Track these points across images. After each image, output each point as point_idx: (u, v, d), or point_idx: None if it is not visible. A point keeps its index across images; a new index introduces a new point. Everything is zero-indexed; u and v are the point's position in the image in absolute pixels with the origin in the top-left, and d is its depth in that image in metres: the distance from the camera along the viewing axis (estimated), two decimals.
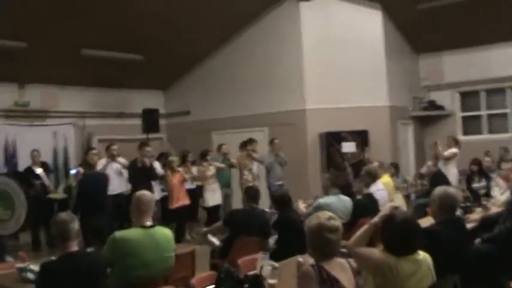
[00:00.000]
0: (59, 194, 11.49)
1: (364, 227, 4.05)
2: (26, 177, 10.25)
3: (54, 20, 11.26)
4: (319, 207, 7.41)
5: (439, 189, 4.95)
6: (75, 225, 4.49)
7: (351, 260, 3.94)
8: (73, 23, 11.55)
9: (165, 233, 5.18)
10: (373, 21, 13.90)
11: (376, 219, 4.03)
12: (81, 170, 9.79)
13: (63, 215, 4.56)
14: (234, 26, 14.62)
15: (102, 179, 9.21)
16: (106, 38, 12.49)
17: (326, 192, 8.18)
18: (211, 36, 14.53)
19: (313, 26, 13.73)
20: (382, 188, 8.94)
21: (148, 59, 14.03)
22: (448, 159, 11.24)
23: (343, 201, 7.95)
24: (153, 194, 5.30)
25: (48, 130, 13.85)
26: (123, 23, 12.09)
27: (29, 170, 11.17)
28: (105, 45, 12.84)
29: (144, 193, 5.25)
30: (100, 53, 13.01)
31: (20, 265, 5.44)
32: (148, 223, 5.05)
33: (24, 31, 11.38)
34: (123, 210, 10.14)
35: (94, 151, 11.08)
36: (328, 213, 3.77)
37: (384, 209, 4.08)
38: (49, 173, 11.71)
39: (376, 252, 3.91)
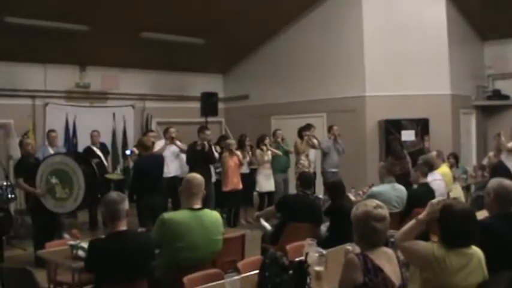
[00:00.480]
0: (117, 175, 11.66)
1: (412, 223, 3.92)
2: (86, 157, 10.41)
3: (115, 3, 11.40)
4: (372, 195, 7.35)
5: (494, 181, 4.76)
6: (125, 205, 4.54)
7: (398, 251, 3.85)
8: (133, 6, 11.66)
9: (213, 216, 5.18)
10: (436, 7, 13.52)
11: (422, 216, 3.89)
12: (136, 150, 9.88)
13: (113, 195, 4.62)
14: (295, 10, 14.53)
15: (158, 160, 9.27)
16: (166, 21, 12.56)
17: (381, 181, 8.08)
18: (272, 20, 14.47)
19: (375, 11, 13.51)
20: (439, 178, 8.79)
21: (208, 42, 14.06)
22: (511, 151, 10.89)
23: (397, 190, 7.86)
24: (202, 177, 5.26)
25: (108, 112, 14.12)
26: (183, 5, 12.12)
27: (89, 150, 11.35)
28: (165, 28, 12.92)
29: (195, 176, 5.26)
30: (160, 35, 13.12)
31: (72, 242, 5.55)
32: (197, 206, 5.04)
33: (85, 14, 11.56)
34: (177, 194, 10.25)
35: (152, 133, 11.23)
36: (375, 201, 3.69)
37: (431, 206, 3.90)
38: (107, 154, 11.89)
39: (424, 244, 3.80)
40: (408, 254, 3.84)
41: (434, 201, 3.90)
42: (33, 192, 8.54)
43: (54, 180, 8.42)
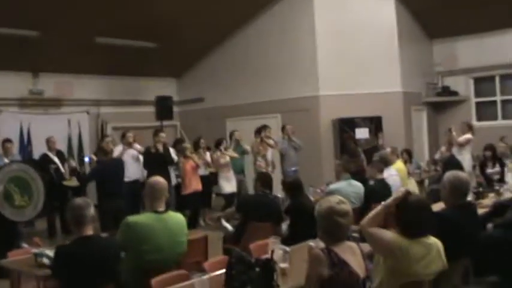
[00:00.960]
0: (74, 182, 11.59)
1: (377, 208, 4.06)
2: (42, 164, 10.32)
3: (67, 9, 11.32)
4: (330, 193, 7.47)
5: (449, 174, 4.93)
6: (90, 210, 4.54)
7: (362, 245, 3.97)
8: (86, 11, 11.60)
9: (177, 218, 5.23)
10: (386, 7, 13.84)
11: (389, 201, 4.04)
12: (94, 157, 9.86)
13: (79, 201, 4.60)
14: (248, 13, 14.62)
15: (119, 164, 9.30)
16: (119, 25, 12.51)
17: (338, 178, 8.23)
18: (225, 23, 14.55)
19: (327, 13, 13.68)
20: (394, 174, 8.98)
21: (162, 46, 14.08)
22: (462, 145, 11.17)
23: (353, 186, 8.03)
24: (165, 181, 5.31)
25: (63, 118, 14.01)
26: (137, 10, 12.11)
27: (45, 157, 11.21)
28: (118, 33, 12.89)
29: (158, 180, 5.28)
30: (113, 40, 13.10)
31: (35, 250, 5.52)
32: (161, 209, 5.09)
33: (37, 20, 11.45)
34: (140, 197, 10.26)
35: (108, 138, 11.18)
36: (338, 197, 3.79)
37: (397, 192, 4.08)
38: (64, 161, 11.78)
39: (389, 233, 3.93)
40: (374, 240, 3.96)
41: (401, 188, 4.04)
42: None
43: (14, 188, 8.33)
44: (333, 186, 8.06)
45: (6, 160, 10.02)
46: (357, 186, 8.10)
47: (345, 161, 8.92)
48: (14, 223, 8.73)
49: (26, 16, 11.17)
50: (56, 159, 11.29)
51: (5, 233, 8.36)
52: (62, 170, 11.33)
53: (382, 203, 4.07)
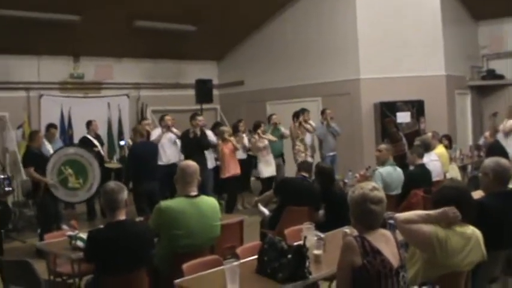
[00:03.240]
0: (115, 164, 11.66)
1: (420, 214, 3.91)
2: (91, 149, 10.45)
3: None
4: (378, 177, 7.35)
5: (490, 160, 4.76)
6: (124, 195, 4.52)
7: (396, 232, 3.87)
8: None
9: (210, 202, 5.17)
10: None
11: (435, 214, 3.87)
12: (130, 141, 9.95)
13: (112, 185, 4.59)
14: None
15: (152, 147, 9.38)
16: (158, 9, 12.53)
17: (381, 164, 8.01)
18: (265, 6, 14.45)
19: None
20: (435, 159, 8.81)
21: (202, 29, 14.04)
22: (507, 131, 10.89)
23: (398, 172, 7.86)
24: (197, 164, 5.25)
25: (103, 102, 14.14)
26: None
27: (86, 140, 11.31)
28: (157, 16, 12.89)
29: (189, 164, 5.25)
30: (153, 24, 13.10)
31: (70, 233, 5.55)
32: (193, 193, 5.04)
33: (77, 4, 11.57)
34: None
35: (147, 121, 11.30)
36: (372, 184, 3.68)
37: (448, 212, 3.87)
38: (102, 144, 11.86)
39: (426, 226, 3.82)
40: (410, 235, 3.87)
41: (450, 209, 3.85)
42: (45, 181, 8.60)
43: (69, 170, 8.72)
44: (382, 170, 7.81)
45: (47, 144, 10.14)
46: (400, 172, 7.93)
47: (390, 146, 8.69)
48: (56, 205, 8.93)
49: (68, 1, 11.27)
50: (96, 142, 11.38)
51: (47, 215, 8.50)
52: (102, 152, 11.44)
53: (427, 212, 3.91)
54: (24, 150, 8.92)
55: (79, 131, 12.31)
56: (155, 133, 10.71)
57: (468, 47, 15.11)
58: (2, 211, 9.58)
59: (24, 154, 8.90)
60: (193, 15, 13.33)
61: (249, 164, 12.32)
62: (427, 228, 3.79)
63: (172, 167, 10.44)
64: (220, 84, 16.74)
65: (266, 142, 11.75)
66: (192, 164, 5.23)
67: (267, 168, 11.79)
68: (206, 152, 10.92)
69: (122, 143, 12.01)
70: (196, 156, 9.40)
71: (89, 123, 11.61)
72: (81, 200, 9.44)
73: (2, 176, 10.19)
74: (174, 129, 11.00)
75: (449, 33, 13.71)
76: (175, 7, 12.64)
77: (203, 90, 13.76)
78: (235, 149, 11.17)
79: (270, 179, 11.80)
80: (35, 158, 8.57)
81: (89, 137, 11.40)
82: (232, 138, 11.18)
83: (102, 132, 12.98)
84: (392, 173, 7.78)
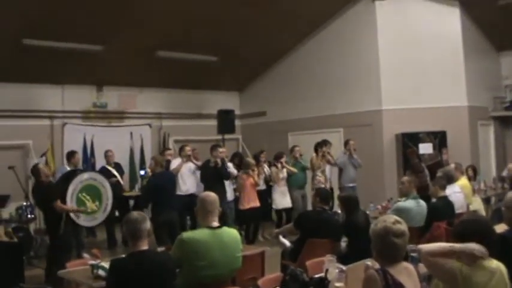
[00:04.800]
0: (134, 192, 11.71)
1: (444, 246, 3.86)
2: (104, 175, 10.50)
3: (130, 23, 11.54)
4: (399, 211, 7.27)
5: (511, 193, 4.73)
6: (147, 224, 4.51)
7: (419, 265, 3.83)
8: (148, 25, 11.80)
9: (232, 233, 5.17)
10: (451, 18, 13.52)
11: (462, 248, 3.81)
12: (149, 171, 10.02)
13: (135, 214, 4.58)
14: (309, 26, 14.59)
15: (170, 177, 9.42)
16: (180, 39, 12.66)
17: (404, 195, 7.96)
18: (287, 37, 14.54)
19: (389, 25, 13.50)
20: (458, 191, 8.71)
21: (224, 60, 14.14)
22: None
23: (421, 206, 7.79)
24: (216, 195, 5.27)
25: (125, 131, 14.28)
26: (198, 24, 12.22)
27: (105, 170, 11.39)
28: (179, 47, 13.02)
29: (209, 194, 5.27)
30: (175, 54, 13.22)
31: (92, 262, 5.56)
32: (215, 223, 5.04)
33: (101, 34, 11.71)
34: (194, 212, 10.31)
35: (169, 151, 11.37)
36: (394, 217, 3.66)
37: (475, 249, 3.80)
38: (122, 174, 11.93)
39: (451, 261, 3.77)
40: (434, 267, 3.80)
41: (482, 249, 3.78)
42: (78, 210, 8.76)
43: (87, 197, 8.94)
44: (401, 204, 7.78)
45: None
46: (423, 206, 7.85)
47: (413, 178, 8.63)
48: (78, 234, 8.96)
49: (91, 31, 11.45)
50: (115, 172, 11.45)
51: (67, 243, 8.53)
52: (121, 182, 11.50)
53: (451, 244, 3.85)
54: (38, 187, 8.84)
55: (101, 160, 12.40)
56: (175, 163, 10.75)
57: (490, 78, 15.05)
58: (24, 238, 9.66)
59: (47, 189, 8.66)
60: (215, 45, 13.45)
61: (269, 194, 12.29)
62: (451, 261, 3.75)
63: (191, 197, 10.55)
64: (242, 114, 16.80)
65: (285, 174, 11.75)
66: (211, 194, 5.25)
67: (282, 200, 11.80)
68: (226, 184, 10.94)
69: (142, 172, 12.09)
70: (216, 186, 9.46)
71: (105, 153, 11.74)
72: (100, 221, 9.56)
73: (25, 204, 10.32)
74: (194, 160, 11.04)
75: (472, 63, 13.69)
76: (197, 38, 12.76)
77: (225, 121, 13.81)
78: (256, 183, 11.18)
79: (286, 211, 11.78)
80: (55, 190, 8.61)
81: (109, 167, 11.49)
82: (255, 173, 11.19)
83: (124, 161, 13.09)
84: (415, 207, 7.72)
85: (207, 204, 5.08)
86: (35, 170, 8.71)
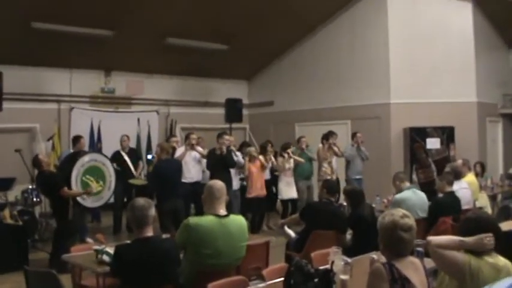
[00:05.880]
0: (140, 180, 11.73)
1: (453, 239, 3.83)
2: (113, 161, 10.48)
3: (140, 9, 11.53)
4: (396, 203, 7.30)
5: None
6: (152, 211, 4.54)
7: (426, 260, 3.80)
8: (158, 11, 11.78)
9: (238, 221, 5.13)
10: (463, 14, 13.45)
11: (470, 242, 3.77)
12: (156, 156, 10.02)
13: (141, 201, 4.59)
14: (320, 18, 14.53)
15: (176, 165, 9.38)
16: (190, 27, 12.64)
17: (400, 191, 7.96)
18: (297, 27, 14.50)
19: (400, 19, 13.43)
20: (465, 187, 8.68)
21: (233, 48, 14.10)
22: None
23: (418, 195, 7.82)
24: (224, 184, 5.24)
25: (133, 117, 14.27)
26: (208, 12, 12.20)
27: (117, 154, 11.36)
28: (189, 34, 12.99)
29: (216, 181, 5.24)
30: (185, 41, 13.19)
31: (96, 247, 5.56)
32: (222, 212, 5.02)
33: (110, 20, 11.69)
34: (200, 198, 10.29)
35: (175, 138, 11.34)
36: (402, 211, 3.63)
37: (484, 240, 3.77)
38: (136, 159, 11.88)
39: (460, 254, 3.74)
40: (443, 260, 3.78)
41: (490, 238, 3.75)
42: (85, 193, 8.73)
43: (90, 178, 8.93)
44: (398, 196, 7.82)
45: None
46: (421, 196, 7.88)
47: (398, 173, 8.58)
48: (83, 218, 9.02)
49: (100, 16, 11.42)
50: (127, 158, 11.40)
51: (74, 228, 8.52)
52: (132, 168, 11.44)
53: (462, 238, 3.82)
54: (41, 178, 8.81)
55: (108, 145, 12.42)
56: (179, 150, 10.72)
57: (501, 74, 14.99)
58: (29, 221, 9.67)
59: (51, 177, 8.63)
60: (225, 34, 13.42)
61: (275, 184, 12.28)
62: (460, 255, 3.72)
63: (195, 186, 10.54)
64: (249, 103, 16.78)
65: (292, 164, 11.71)
66: (219, 181, 5.23)
67: (287, 190, 11.73)
68: (232, 173, 10.91)
69: (149, 156, 12.08)
70: (222, 174, 9.43)
71: (120, 138, 11.64)
72: (107, 200, 9.55)
73: (31, 187, 10.33)
74: (199, 148, 11.00)
75: (482, 59, 13.63)
76: (207, 26, 12.74)
77: (233, 110, 13.78)
78: (263, 167, 11.16)
79: (292, 201, 11.77)
80: (59, 178, 8.59)
81: (122, 152, 11.45)
82: (260, 157, 11.18)
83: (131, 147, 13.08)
84: (412, 196, 7.74)
85: (214, 191, 5.05)
86: (36, 160, 8.68)
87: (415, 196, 7.78)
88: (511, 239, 4.22)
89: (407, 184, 8.13)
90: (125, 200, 10.93)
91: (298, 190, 11.82)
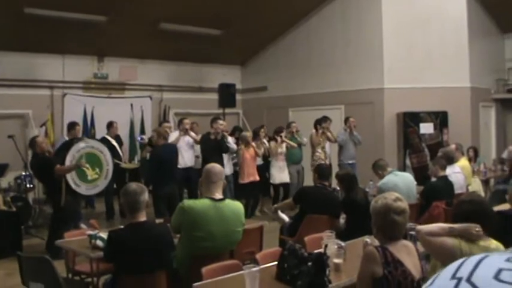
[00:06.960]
0: (133, 164, 11.69)
1: (443, 227, 3.83)
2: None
3: None
4: (380, 190, 7.27)
5: None
6: (145, 196, 4.55)
7: (419, 244, 3.82)
8: None
9: (234, 207, 5.13)
10: None
11: (459, 228, 3.78)
12: (145, 138, 10.00)
13: (134, 186, 4.60)
14: (313, 2, 14.48)
15: (173, 150, 9.37)
16: (184, 12, 12.55)
17: (382, 177, 7.95)
18: (290, 12, 14.42)
19: (394, 4, 13.39)
20: (458, 171, 8.70)
21: (226, 33, 14.06)
22: None
23: (400, 176, 7.81)
24: (222, 168, 5.26)
25: (126, 102, 14.23)
26: None
27: (104, 140, 11.32)
28: (183, 19, 12.91)
29: (214, 165, 5.25)
30: (178, 27, 13.13)
31: (90, 232, 5.58)
32: (218, 195, 5.02)
33: (103, 5, 11.61)
34: (193, 184, 10.34)
35: (167, 124, 11.33)
36: (395, 194, 3.64)
37: (472, 229, 3.76)
38: (121, 145, 11.88)
39: (450, 239, 3.75)
40: (433, 247, 3.78)
41: (473, 227, 3.76)
42: (76, 166, 8.51)
43: (86, 165, 8.73)
44: (380, 183, 7.77)
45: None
46: (405, 176, 7.88)
47: (376, 161, 8.56)
48: (76, 205, 8.99)
49: (94, 2, 11.37)
50: (115, 143, 11.40)
51: (67, 214, 8.49)
52: (121, 153, 11.46)
53: (450, 225, 3.82)
54: (35, 161, 8.76)
55: (101, 131, 12.36)
56: (173, 136, 10.71)
57: (494, 60, 15.00)
58: (23, 207, 9.67)
59: (43, 159, 8.51)
60: (218, 19, 13.36)
61: (267, 169, 12.29)
62: (450, 241, 3.73)
63: (188, 171, 10.57)
64: (243, 89, 16.74)
65: (284, 148, 11.71)
66: (217, 165, 5.25)
67: (280, 175, 11.72)
68: (224, 158, 10.91)
69: (139, 138, 12.09)
70: (215, 159, 9.40)
71: (109, 125, 11.64)
72: (102, 188, 9.42)
73: (24, 173, 10.31)
74: (192, 133, 11.00)
75: (475, 45, 13.61)
76: (200, 11, 12.67)
77: (226, 95, 13.77)
78: (256, 154, 11.17)
79: (282, 186, 11.79)
80: (52, 160, 8.53)
81: (108, 137, 11.42)
82: (253, 144, 11.19)
83: (124, 132, 13.09)
84: (393, 177, 7.72)
85: (211, 175, 5.06)
86: (32, 142, 8.65)
87: (397, 177, 7.75)
88: (503, 219, 4.24)
89: (389, 169, 8.09)
90: (115, 186, 10.84)
91: (289, 175, 11.83)
